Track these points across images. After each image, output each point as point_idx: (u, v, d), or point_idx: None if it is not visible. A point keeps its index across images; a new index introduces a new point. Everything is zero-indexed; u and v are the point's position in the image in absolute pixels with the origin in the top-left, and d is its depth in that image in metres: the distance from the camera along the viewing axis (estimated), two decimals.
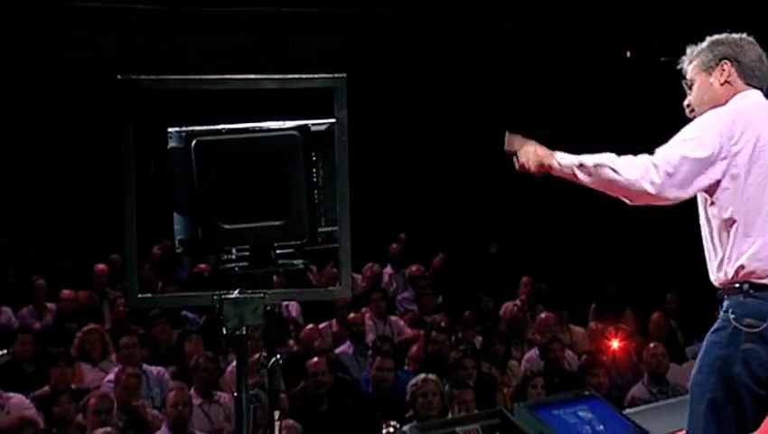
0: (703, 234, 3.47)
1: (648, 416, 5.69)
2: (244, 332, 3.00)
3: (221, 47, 11.87)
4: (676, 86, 3.63)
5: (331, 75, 3.08)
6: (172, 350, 8.40)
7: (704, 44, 3.53)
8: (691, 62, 3.53)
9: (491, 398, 7.28)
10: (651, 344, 8.07)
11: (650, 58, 12.68)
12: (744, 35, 3.55)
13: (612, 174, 3.29)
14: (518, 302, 10.05)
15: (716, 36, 3.54)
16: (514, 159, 3.54)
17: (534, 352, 8.49)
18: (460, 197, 12.79)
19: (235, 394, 2.99)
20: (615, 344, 8.91)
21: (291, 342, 8.77)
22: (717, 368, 3.27)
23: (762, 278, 3.26)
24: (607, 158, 3.33)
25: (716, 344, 3.30)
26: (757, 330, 3.22)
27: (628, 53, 13.48)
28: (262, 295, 3.04)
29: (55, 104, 11.25)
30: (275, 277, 3.36)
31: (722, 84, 3.45)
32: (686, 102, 3.56)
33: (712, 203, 3.33)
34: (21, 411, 6.81)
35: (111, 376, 7.61)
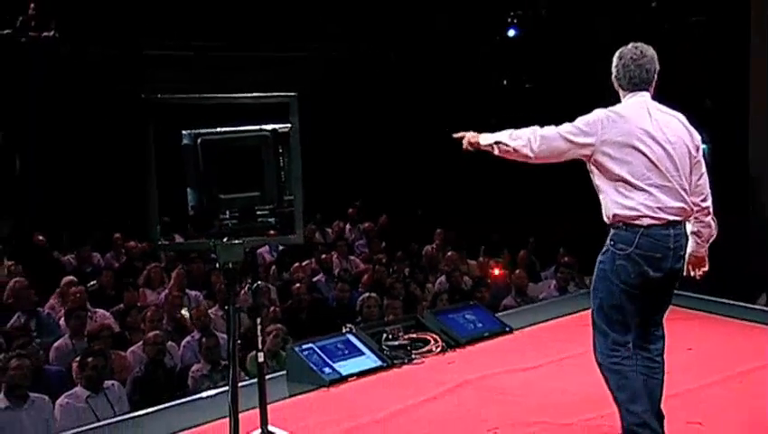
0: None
1: (513, 317, 5.69)
2: (231, 266, 2.95)
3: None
4: None
5: (286, 94, 3.02)
6: (204, 279, 8.34)
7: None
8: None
9: (414, 309, 7.28)
10: (517, 271, 8.10)
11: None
12: (621, 50, 3.27)
13: (505, 147, 3.25)
14: (434, 246, 10.09)
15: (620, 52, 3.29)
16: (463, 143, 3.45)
17: (443, 278, 8.47)
18: (398, 177, 12.73)
19: (226, 307, 2.94)
20: (496, 271, 8.99)
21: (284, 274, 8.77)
22: (602, 278, 3.23)
23: (630, 219, 3.16)
24: (506, 134, 3.26)
25: (602, 262, 3.23)
26: (625, 252, 3.15)
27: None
28: (242, 241, 3.00)
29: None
30: None
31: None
32: None
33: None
34: (103, 321, 6.72)
35: (162, 297, 7.57)
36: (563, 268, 7.89)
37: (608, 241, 3.22)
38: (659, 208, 3.13)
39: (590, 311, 3.33)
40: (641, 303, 3.25)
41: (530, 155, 3.20)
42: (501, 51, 11.70)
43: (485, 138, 3.35)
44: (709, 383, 4.21)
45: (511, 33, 11.38)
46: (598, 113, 3.18)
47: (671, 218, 3.16)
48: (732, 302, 5.89)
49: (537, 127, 3.24)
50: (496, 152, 3.31)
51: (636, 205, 3.13)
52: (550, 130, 3.21)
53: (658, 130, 3.17)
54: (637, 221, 3.14)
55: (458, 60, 12.19)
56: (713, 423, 3.74)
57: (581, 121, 3.18)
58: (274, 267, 8.87)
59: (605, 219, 3.24)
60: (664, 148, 3.16)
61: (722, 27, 9.22)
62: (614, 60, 3.29)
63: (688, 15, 9.35)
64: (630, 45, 3.27)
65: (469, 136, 3.44)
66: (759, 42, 8.94)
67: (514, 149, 3.22)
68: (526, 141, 3.20)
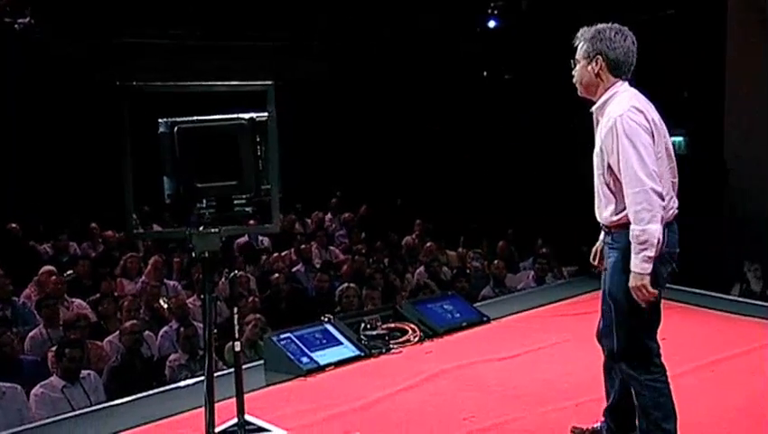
0: (597, 185, 3.06)
1: (490, 307, 5.73)
2: (206, 255, 2.93)
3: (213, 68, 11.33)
4: None
5: (263, 82, 2.99)
6: (183, 270, 8.29)
7: (590, 32, 3.03)
8: (578, 45, 3.06)
9: (394, 299, 7.28)
10: (496, 261, 8.11)
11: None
12: (621, 28, 3.04)
13: (644, 237, 2.85)
14: (413, 236, 10.10)
15: (599, 27, 3.03)
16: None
17: (422, 268, 8.47)
18: (378, 167, 12.71)
19: (202, 297, 2.92)
20: (475, 262, 9.00)
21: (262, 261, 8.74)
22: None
23: None
24: (642, 237, 2.87)
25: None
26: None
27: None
28: (218, 230, 2.97)
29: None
30: None
31: (595, 75, 3.00)
32: (573, 72, 3.11)
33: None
34: (80, 310, 6.66)
35: (140, 286, 7.51)
36: (541, 259, 7.93)
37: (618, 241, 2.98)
38: (673, 201, 3.04)
39: (614, 320, 3.05)
40: (659, 306, 3.08)
41: (659, 217, 2.85)
42: (482, 43, 11.71)
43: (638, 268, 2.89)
44: (682, 372, 4.24)
45: (492, 24, 11.37)
46: (635, 119, 2.89)
47: (677, 211, 3.07)
48: (706, 292, 5.97)
49: (635, 200, 2.87)
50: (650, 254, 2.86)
51: (667, 200, 2.96)
52: (636, 170, 2.85)
53: (662, 123, 3.04)
54: (665, 219, 2.97)
55: (438, 51, 12.17)
56: (685, 412, 3.76)
57: (637, 124, 2.88)
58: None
59: (619, 219, 2.96)
60: (665, 139, 3.04)
61: (698, 19, 9.30)
62: (612, 36, 3.00)
63: (665, 7, 9.41)
64: (617, 26, 3.03)
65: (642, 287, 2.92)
66: (735, 34, 9.02)
67: (650, 235, 2.84)
68: (648, 218, 2.84)
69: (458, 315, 5.22)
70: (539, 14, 10.44)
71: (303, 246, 9.08)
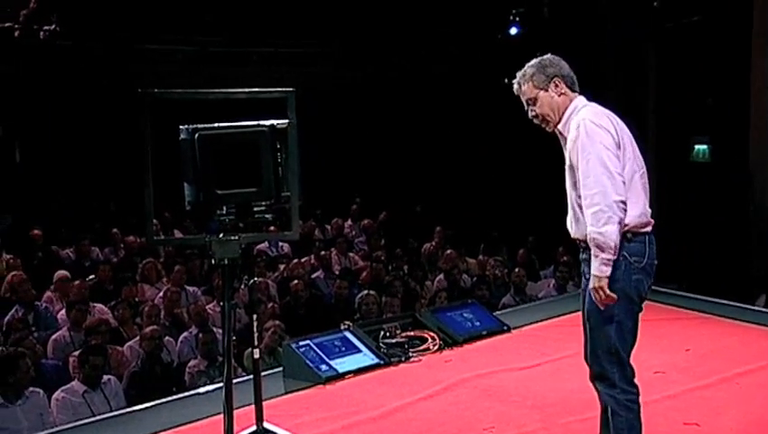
0: (572, 200, 3.00)
1: (511, 315, 5.70)
2: (226, 262, 2.93)
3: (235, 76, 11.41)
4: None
5: (283, 89, 2.99)
6: (203, 276, 8.32)
7: (531, 69, 3.08)
8: (526, 84, 3.08)
9: (413, 307, 7.26)
10: (517, 269, 8.04)
11: None
12: (551, 56, 3.12)
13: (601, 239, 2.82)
14: (433, 243, 10.06)
15: (539, 60, 3.10)
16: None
17: (442, 276, 8.43)
18: (398, 174, 12.70)
19: (222, 304, 2.92)
20: (495, 270, 8.95)
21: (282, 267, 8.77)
22: (619, 298, 2.88)
23: (636, 227, 2.91)
24: (598, 240, 2.83)
25: (614, 280, 2.86)
26: (641, 265, 2.91)
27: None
28: (237, 237, 2.97)
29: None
30: None
31: (560, 96, 3.04)
32: (531, 115, 3.10)
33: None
34: (101, 315, 6.70)
35: (161, 293, 7.55)
36: (562, 267, 7.87)
37: (617, 256, 2.85)
38: (649, 210, 2.98)
39: (590, 337, 3.01)
40: (638, 322, 3.00)
41: (616, 219, 2.79)
42: (503, 50, 11.68)
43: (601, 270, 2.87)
44: (706, 385, 4.20)
45: (513, 31, 11.34)
46: (596, 121, 2.88)
47: (653, 220, 3.00)
48: (731, 303, 5.88)
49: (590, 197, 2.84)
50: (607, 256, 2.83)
51: (645, 210, 2.94)
52: (594, 171, 2.81)
53: (627, 129, 3.00)
54: (644, 229, 2.95)
55: (459, 57, 12.15)
56: (710, 424, 3.72)
57: (597, 126, 2.86)
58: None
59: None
60: (635, 147, 2.98)
61: (723, 26, 9.20)
62: (552, 59, 3.08)
63: (689, 15, 9.32)
64: (545, 56, 3.10)
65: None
66: (760, 41, 8.91)
67: (607, 237, 2.79)
68: (605, 220, 2.78)
69: (478, 323, 5.19)
70: (561, 22, 10.40)
71: (322, 252, 9.10)
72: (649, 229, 2.97)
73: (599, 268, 2.84)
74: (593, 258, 2.86)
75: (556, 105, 3.06)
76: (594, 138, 2.86)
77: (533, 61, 3.11)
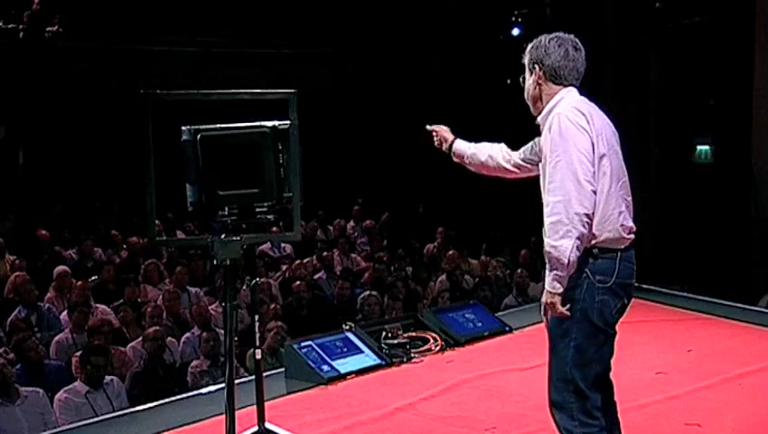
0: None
1: (513, 316, 5.68)
2: (228, 263, 2.93)
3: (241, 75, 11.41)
4: None
5: (285, 90, 3.00)
6: (205, 277, 8.33)
7: (531, 44, 2.83)
8: (524, 58, 2.85)
9: (415, 307, 7.25)
10: (519, 270, 8.05)
11: None
12: (560, 36, 2.79)
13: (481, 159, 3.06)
14: (435, 244, 10.06)
15: (539, 38, 2.82)
16: (434, 137, 3.23)
17: (444, 276, 8.43)
18: (399, 177, 12.71)
19: (224, 304, 2.92)
20: (498, 271, 8.95)
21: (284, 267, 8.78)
22: (578, 320, 2.64)
23: (606, 242, 2.65)
24: (482, 147, 3.07)
25: (574, 300, 2.63)
26: (606, 285, 2.64)
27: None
28: (239, 238, 2.98)
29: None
30: None
31: (537, 85, 2.76)
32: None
33: None
34: (104, 316, 6.72)
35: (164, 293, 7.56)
36: None
37: (579, 273, 2.61)
38: (629, 225, 2.69)
39: (549, 360, 2.76)
40: (610, 348, 2.72)
41: (574, 234, 2.53)
42: (505, 51, 11.70)
43: (458, 148, 3.16)
44: (708, 385, 4.19)
45: (515, 32, 11.34)
46: (572, 119, 2.61)
47: (633, 236, 2.71)
48: (732, 304, 5.87)
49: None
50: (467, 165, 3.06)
51: (620, 225, 2.65)
52: (561, 176, 2.58)
53: (612, 134, 2.72)
54: (616, 245, 2.65)
55: (462, 58, 12.14)
56: (711, 425, 3.72)
57: (573, 125, 2.59)
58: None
59: None
60: (617, 154, 2.70)
61: (725, 27, 9.20)
62: (546, 44, 2.77)
63: (691, 15, 9.32)
64: (555, 34, 2.80)
65: (441, 135, 3.21)
66: (762, 41, 8.90)
67: (560, 253, 2.54)
68: (563, 233, 2.53)
69: (480, 324, 5.18)
70: (563, 23, 10.41)
71: (324, 253, 9.10)
72: (622, 245, 2.67)
73: (551, 284, 2.59)
74: (546, 270, 2.61)
75: (533, 94, 2.81)
76: (568, 138, 2.57)
77: (540, 37, 2.82)
